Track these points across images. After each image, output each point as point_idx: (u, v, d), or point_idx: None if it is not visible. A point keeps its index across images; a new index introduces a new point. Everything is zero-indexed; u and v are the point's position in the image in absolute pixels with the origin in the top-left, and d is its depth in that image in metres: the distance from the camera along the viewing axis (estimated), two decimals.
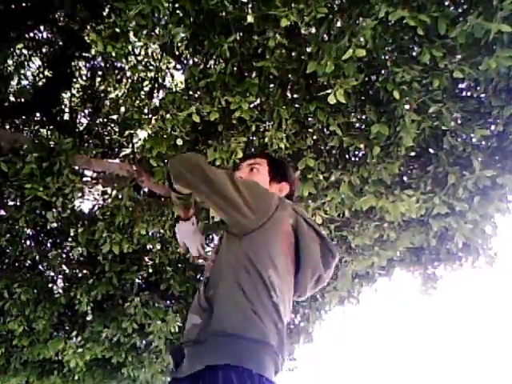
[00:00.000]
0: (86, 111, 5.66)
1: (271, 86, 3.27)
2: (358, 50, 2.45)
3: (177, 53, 3.90)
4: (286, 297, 1.36)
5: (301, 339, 5.78)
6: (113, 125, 5.57)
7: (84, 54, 5.16)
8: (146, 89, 4.60)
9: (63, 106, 5.59)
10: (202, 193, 1.38)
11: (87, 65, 5.47)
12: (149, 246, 5.15)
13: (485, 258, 4.22)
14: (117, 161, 4.70)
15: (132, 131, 4.98)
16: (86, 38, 4.33)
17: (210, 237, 5.20)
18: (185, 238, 1.76)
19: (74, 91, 5.61)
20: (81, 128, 5.56)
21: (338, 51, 2.55)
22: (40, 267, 5.20)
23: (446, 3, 2.78)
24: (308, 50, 2.88)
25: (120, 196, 4.13)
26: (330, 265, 1.48)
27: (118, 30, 2.85)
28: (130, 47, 3.20)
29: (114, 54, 2.89)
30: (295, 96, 3.32)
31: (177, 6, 2.76)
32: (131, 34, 3.08)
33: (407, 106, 2.88)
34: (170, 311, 4.93)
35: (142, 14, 2.65)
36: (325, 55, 2.59)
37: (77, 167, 4.04)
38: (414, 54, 2.88)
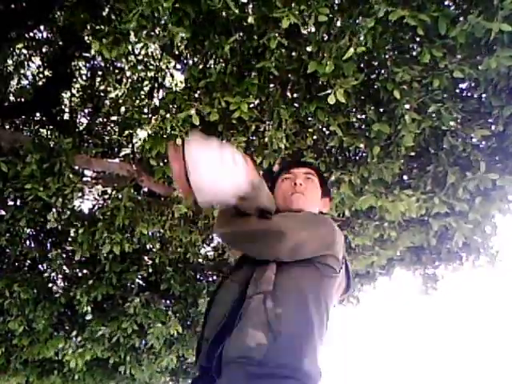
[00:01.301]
0: (86, 111, 5.66)
1: (271, 85, 3.27)
2: (359, 48, 2.45)
3: (177, 53, 3.90)
4: None
5: None
6: (113, 125, 5.56)
7: (84, 54, 5.16)
8: (146, 89, 4.59)
9: (63, 106, 5.59)
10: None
11: (87, 65, 5.46)
12: (149, 246, 5.15)
13: (485, 258, 4.22)
14: (117, 161, 4.70)
15: (132, 131, 4.98)
16: (86, 38, 4.33)
17: (210, 237, 5.20)
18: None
19: (74, 91, 5.60)
20: (81, 128, 5.56)
21: (338, 50, 2.55)
22: (40, 267, 5.20)
23: (446, 3, 2.78)
24: (308, 49, 2.87)
25: (120, 196, 4.13)
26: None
27: (118, 34, 2.85)
28: (129, 47, 3.19)
29: (114, 55, 2.88)
30: (295, 96, 3.32)
31: (177, 6, 2.76)
32: (131, 34, 3.08)
33: (407, 106, 2.88)
34: (171, 313, 4.94)
35: (142, 14, 2.65)
36: (325, 54, 2.59)
37: (77, 167, 4.04)
38: (414, 53, 2.88)
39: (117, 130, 5.45)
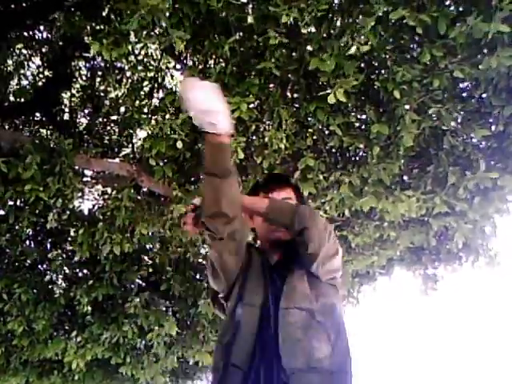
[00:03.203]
0: (86, 111, 5.66)
1: (271, 85, 3.27)
2: (361, 47, 2.45)
3: (177, 53, 3.90)
4: None
5: None
6: (113, 125, 5.56)
7: (84, 54, 5.15)
8: (146, 89, 4.59)
9: (63, 106, 5.59)
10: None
11: (87, 65, 5.46)
12: (149, 246, 5.15)
13: (485, 259, 4.22)
14: (117, 161, 4.70)
15: (132, 131, 4.98)
16: (86, 38, 4.32)
17: None
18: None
19: (74, 91, 5.60)
20: (81, 128, 5.55)
21: (340, 48, 2.55)
22: (40, 267, 5.19)
23: (446, 3, 2.78)
24: (309, 48, 2.87)
25: (120, 196, 4.13)
26: None
27: (118, 35, 2.85)
28: (130, 47, 3.19)
29: (114, 55, 2.88)
30: (295, 96, 3.32)
31: (177, 6, 2.76)
32: (131, 35, 3.07)
33: (407, 106, 2.87)
34: (171, 315, 4.94)
35: (142, 17, 2.64)
36: (326, 52, 2.58)
37: (77, 167, 4.04)
38: (415, 53, 2.87)
39: (117, 130, 5.45)
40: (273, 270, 1.59)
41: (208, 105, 1.29)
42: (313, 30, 2.91)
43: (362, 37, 2.51)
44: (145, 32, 2.88)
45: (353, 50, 2.44)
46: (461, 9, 2.75)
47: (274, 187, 1.70)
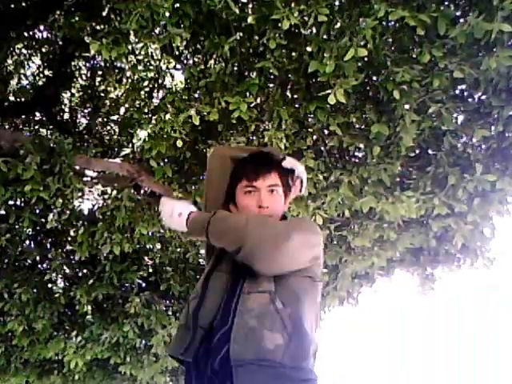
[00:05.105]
0: (86, 111, 5.66)
1: (271, 85, 3.27)
2: (359, 50, 2.45)
3: (177, 53, 3.90)
4: None
5: None
6: (113, 125, 5.57)
7: (84, 54, 5.16)
8: (146, 89, 4.59)
9: (63, 106, 5.60)
10: None
11: (87, 64, 5.47)
12: (149, 246, 5.15)
13: (483, 260, 4.22)
14: (117, 161, 4.70)
15: (132, 131, 4.98)
16: (86, 38, 4.32)
17: None
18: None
19: (74, 91, 5.61)
20: (81, 128, 5.56)
21: (339, 50, 2.54)
22: (40, 267, 5.20)
23: (446, 3, 2.78)
24: (308, 49, 2.87)
25: (120, 196, 4.13)
26: None
27: (118, 34, 2.85)
28: (129, 47, 3.19)
29: (114, 55, 2.88)
30: (295, 96, 3.32)
31: (177, 6, 2.76)
32: (131, 35, 3.08)
33: (407, 106, 2.87)
34: (172, 315, 4.94)
35: (142, 15, 2.65)
36: (326, 54, 2.58)
37: (77, 167, 4.04)
38: (414, 54, 2.87)
39: (117, 130, 5.46)
40: None
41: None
42: (313, 30, 2.90)
43: (362, 38, 2.50)
44: (145, 31, 2.88)
45: (352, 52, 2.43)
46: (461, 9, 2.75)
47: (257, 174, 1.51)
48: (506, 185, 3.07)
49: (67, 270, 5.12)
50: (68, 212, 4.56)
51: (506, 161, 3.16)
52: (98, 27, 3.96)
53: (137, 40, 3.25)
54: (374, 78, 3.11)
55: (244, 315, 1.28)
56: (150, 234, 4.62)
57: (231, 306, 1.33)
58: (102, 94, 5.52)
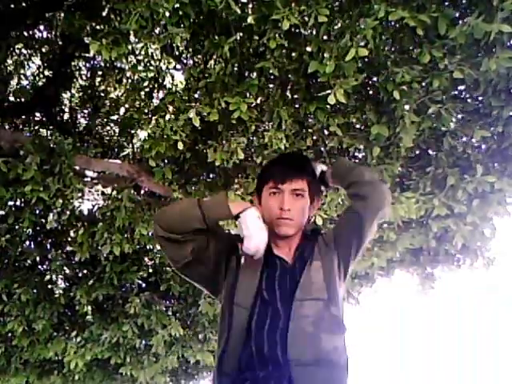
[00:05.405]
0: (86, 111, 5.66)
1: (271, 86, 3.27)
2: (360, 50, 2.45)
3: (177, 53, 3.90)
4: None
5: None
6: (113, 125, 5.56)
7: (84, 54, 5.15)
8: (146, 89, 4.59)
9: (63, 106, 5.59)
10: None
11: (87, 65, 5.47)
12: (149, 247, 5.15)
13: (483, 260, 4.22)
14: (117, 161, 4.70)
15: (132, 131, 4.98)
16: (86, 38, 4.32)
17: None
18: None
19: (74, 91, 5.61)
20: (81, 128, 5.56)
21: (339, 50, 2.55)
22: (40, 268, 5.19)
23: (446, 3, 2.78)
24: (308, 49, 2.87)
25: (120, 196, 4.13)
26: None
27: (118, 35, 2.84)
28: (129, 47, 3.19)
29: (114, 55, 2.88)
30: (295, 96, 3.32)
31: (177, 6, 2.76)
32: (131, 35, 3.07)
33: (407, 107, 2.87)
34: (172, 315, 4.94)
35: (142, 15, 2.64)
36: (326, 55, 2.58)
37: (77, 167, 4.04)
38: (414, 54, 2.87)
39: (117, 130, 5.45)
40: (280, 262, 1.51)
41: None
42: (313, 31, 2.90)
43: (362, 38, 2.50)
44: (145, 31, 2.88)
45: (353, 52, 2.43)
46: (461, 9, 2.75)
47: (284, 177, 1.51)
48: (504, 185, 3.08)
49: (67, 271, 5.12)
50: (68, 212, 4.55)
51: (505, 162, 3.16)
52: (97, 27, 3.96)
53: (137, 40, 3.25)
54: (374, 79, 3.11)
55: (299, 321, 1.37)
56: (150, 234, 4.61)
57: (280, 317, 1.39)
58: (102, 95, 5.52)
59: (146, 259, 5.27)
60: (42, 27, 5.03)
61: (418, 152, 3.45)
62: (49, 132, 5.26)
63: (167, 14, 2.70)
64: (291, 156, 1.65)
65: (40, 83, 5.47)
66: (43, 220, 4.67)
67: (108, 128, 5.58)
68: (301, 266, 1.49)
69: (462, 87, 3.15)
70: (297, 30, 2.92)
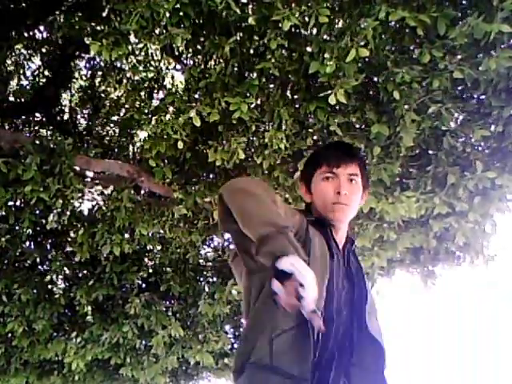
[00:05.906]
0: (86, 111, 5.66)
1: (271, 86, 3.27)
2: (361, 50, 2.45)
3: (177, 53, 3.90)
4: None
5: None
6: (113, 125, 5.56)
7: (84, 54, 5.16)
8: (147, 89, 4.60)
9: (63, 106, 5.60)
10: None
11: (87, 65, 5.47)
12: (149, 247, 5.15)
13: (483, 257, 4.22)
14: (117, 161, 4.70)
15: (132, 131, 4.99)
16: (86, 39, 4.33)
17: (210, 237, 5.20)
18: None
19: (74, 91, 5.61)
20: (81, 128, 5.56)
21: (339, 50, 2.55)
22: (40, 268, 5.19)
23: (446, 4, 2.78)
24: (309, 49, 2.88)
25: (120, 197, 4.13)
26: None
27: (118, 35, 2.85)
28: (130, 47, 3.19)
29: (114, 56, 2.88)
30: (295, 96, 3.32)
31: (177, 6, 2.76)
32: (131, 35, 3.08)
33: (407, 107, 2.87)
34: (172, 316, 4.94)
35: (142, 15, 2.65)
36: (326, 55, 2.59)
37: (77, 168, 4.04)
38: (414, 54, 2.88)
39: (117, 130, 5.45)
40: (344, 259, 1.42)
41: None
42: (314, 31, 2.91)
43: (363, 38, 2.50)
44: (145, 32, 2.88)
45: (353, 53, 2.43)
46: (461, 10, 2.75)
47: (338, 161, 1.44)
48: (505, 181, 3.08)
49: (67, 271, 5.12)
50: (68, 213, 4.55)
51: (505, 158, 3.16)
52: (98, 28, 3.96)
53: (137, 40, 3.25)
54: (375, 79, 3.12)
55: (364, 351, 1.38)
56: (150, 234, 4.62)
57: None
58: (102, 95, 5.52)
59: (146, 259, 5.27)
60: (42, 27, 5.03)
61: (418, 151, 3.45)
62: (49, 132, 5.26)
63: (167, 14, 2.71)
64: (342, 143, 1.59)
65: (40, 83, 5.47)
66: (43, 220, 4.66)
67: (108, 128, 5.58)
68: (358, 273, 1.43)
69: (462, 87, 3.15)
70: (297, 31, 2.93)
